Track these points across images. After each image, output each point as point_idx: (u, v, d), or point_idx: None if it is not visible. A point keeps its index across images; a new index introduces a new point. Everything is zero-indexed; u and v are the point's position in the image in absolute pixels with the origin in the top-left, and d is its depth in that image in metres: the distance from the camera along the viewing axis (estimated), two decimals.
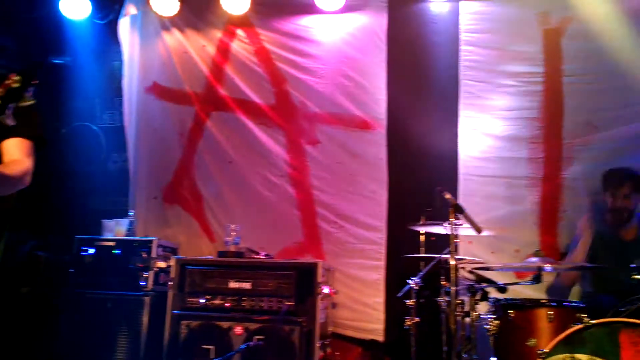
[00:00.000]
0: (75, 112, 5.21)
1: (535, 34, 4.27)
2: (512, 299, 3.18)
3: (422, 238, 3.98)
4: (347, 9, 4.60)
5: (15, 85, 1.97)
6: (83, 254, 4.17)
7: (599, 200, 3.86)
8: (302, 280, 3.72)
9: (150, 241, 4.16)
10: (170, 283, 3.90)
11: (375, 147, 4.45)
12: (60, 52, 5.23)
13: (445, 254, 3.32)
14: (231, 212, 4.62)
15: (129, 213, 4.60)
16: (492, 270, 3.66)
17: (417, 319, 3.53)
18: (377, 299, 4.26)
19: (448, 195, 3.13)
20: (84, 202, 4.95)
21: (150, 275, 4.05)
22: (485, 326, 3.13)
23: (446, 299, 3.42)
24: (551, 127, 4.17)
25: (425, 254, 3.87)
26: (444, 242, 3.25)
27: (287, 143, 4.65)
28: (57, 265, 4.22)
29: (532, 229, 4.11)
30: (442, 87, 4.41)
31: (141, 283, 4.03)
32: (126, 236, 4.36)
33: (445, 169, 4.28)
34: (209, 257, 4.36)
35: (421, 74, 4.49)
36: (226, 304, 3.77)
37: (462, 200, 3.87)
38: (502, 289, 3.30)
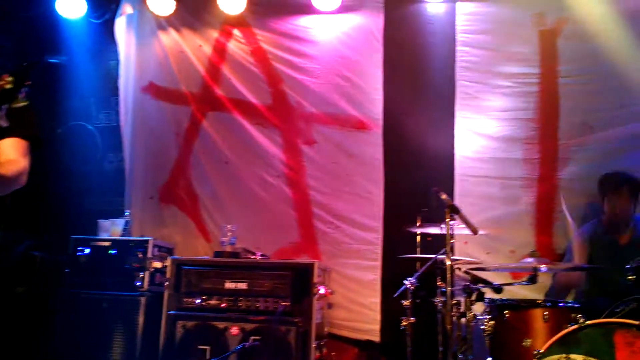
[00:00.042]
0: (71, 111, 5.20)
1: (531, 35, 4.28)
2: (507, 300, 3.18)
3: (418, 238, 3.98)
4: (344, 9, 4.60)
5: (8, 86, 1.96)
6: (79, 254, 4.16)
7: (595, 203, 3.87)
8: (298, 281, 3.72)
9: (146, 241, 4.16)
10: (166, 283, 3.89)
11: (372, 147, 4.45)
12: (56, 51, 5.21)
13: (441, 254, 3.32)
14: (227, 212, 4.62)
15: (125, 213, 4.60)
16: (488, 270, 3.67)
17: (413, 319, 3.54)
18: (373, 300, 4.26)
19: (444, 196, 3.13)
20: (79, 201, 4.94)
21: (146, 275, 4.05)
22: (481, 326, 3.14)
23: (442, 299, 3.43)
24: (547, 128, 4.18)
25: (421, 254, 3.88)
26: (440, 243, 3.25)
27: (283, 143, 4.65)
28: (52, 265, 4.21)
29: (527, 229, 4.12)
30: (438, 87, 4.42)
31: (137, 283, 4.03)
32: (122, 236, 4.35)
33: (441, 170, 4.29)
34: (205, 257, 4.36)
35: (417, 75, 4.50)
36: (222, 305, 3.77)
37: (458, 201, 3.89)
38: (497, 289, 3.31)
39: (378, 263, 4.30)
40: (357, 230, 4.38)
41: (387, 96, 4.48)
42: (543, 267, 3.07)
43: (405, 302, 3.52)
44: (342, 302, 4.30)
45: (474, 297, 3.21)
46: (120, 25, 5.03)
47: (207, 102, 4.83)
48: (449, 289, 3.05)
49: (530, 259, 3.14)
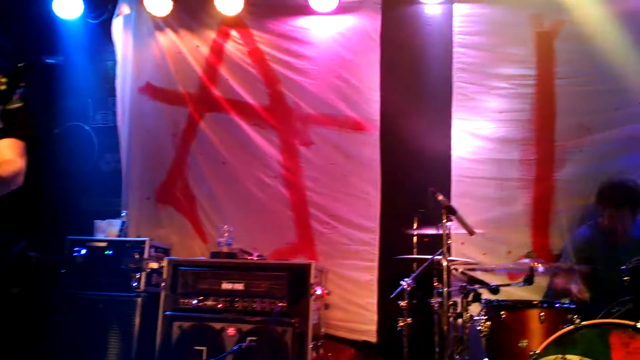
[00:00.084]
0: (67, 112, 5.19)
1: (528, 37, 4.29)
2: (504, 300, 3.19)
3: (415, 239, 3.99)
4: (341, 10, 4.61)
5: (2, 87, 1.96)
6: (75, 254, 4.15)
7: (591, 205, 3.88)
8: (295, 282, 3.72)
9: (143, 242, 4.16)
10: (163, 284, 3.89)
11: (369, 148, 4.45)
12: (53, 51, 5.20)
13: (438, 255, 3.33)
14: (224, 213, 4.61)
15: (122, 213, 4.59)
16: (485, 271, 3.67)
17: (409, 320, 3.54)
18: (370, 300, 4.26)
19: (440, 197, 3.14)
20: (76, 202, 4.93)
21: (142, 276, 4.04)
22: (478, 327, 3.14)
23: (439, 300, 3.43)
24: (543, 129, 4.19)
25: (418, 255, 3.88)
26: (437, 243, 3.26)
27: (280, 144, 4.65)
28: (48, 266, 4.20)
29: (524, 230, 4.13)
30: (435, 88, 4.43)
31: (133, 284, 4.02)
32: (118, 237, 4.35)
33: (438, 170, 4.29)
34: (202, 258, 4.35)
35: (414, 76, 4.51)
36: (219, 305, 3.77)
37: (454, 202, 3.88)
38: (494, 290, 3.31)
39: (375, 264, 4.30)
40: (354, 231, 4.38)
41: (384, 97, 4.48)
42: (540, 268, 3.08)
43: (402, 303, 3.52)
44: (338, 302, 4.30)
45: (470, 297, 3.23)
46: (118, 26, 5.03)
47: (204, 103, 4.83)
48: (445, 289, 3.05)
49: (526, 260, 3.14)
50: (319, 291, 3.83)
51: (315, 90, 4.61)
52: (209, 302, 3.79)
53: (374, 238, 4.33)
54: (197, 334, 3.71)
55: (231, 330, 3.66)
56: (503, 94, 4.29)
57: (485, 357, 3.07)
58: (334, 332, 4.26)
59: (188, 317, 3.76)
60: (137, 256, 4.07)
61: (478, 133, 4.31)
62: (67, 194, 4.89)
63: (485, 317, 3.12)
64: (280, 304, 3.67)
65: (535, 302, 3.08)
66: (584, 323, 2.70)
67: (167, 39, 4.95)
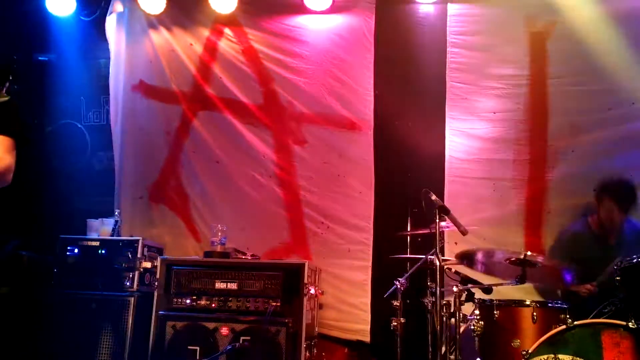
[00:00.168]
0: (60, 110, 5.16)
1: (521, 37, 4.31)
2: (497, 300, 3.20)
3: (409, 239, 3.99)
4: (335, 9, 4.61)
5: None
6: (68, 253, 4.13)
7: (583, 204, 3.91)
8: (289, 281, 3.72)
9: (136, 241, 4.13)
10: (156, 283, 3.87)
11: (362, 147, 4.46)
12: (46, 49, 5.18)
13: (431, 254, 3.33)
14: (218, 212, 4.60)
15: (115, 212, 4.56)
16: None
17: (403, 319, 3.54)
18: (364, 300, 4.27)
19: (434, 197, 3.14)
20: (68, 201, 4.89)
21: (135, 275, 4.02)
22: (470, 327, 3.15)
23: (432, 299, 3.44)
24: (536, 129, 4.21)
25: (411, 254, 3.89)
26: (430, 243, 3.26)
27: (274, 143, 4.65)
28: (40, 265, 4.17)
29: (517, 230, 4.15)
30: (429, 88, 4.45)
31: (126, 283, 4.00)
32: (111, 236, 4.32)
33: (431, 170, 4.31)
34: (195, 257, 4.34)
35: (408, 76, 4.51)
36: (212, 305, 3.76)
37: (448, 202, 3.91)
38: (487, 289, 3.33)
39: (368, 263, 4.31)
40: (347, 231, 4.39)
41: (378, 97, 4.49)
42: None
43: (396, 303, 3.53)
44: (332, 302, 4.30)
45: (463, 297, 3.23)
46: (111, 23, 4.99)
47: (198, 101, 4.81)
48: (438, 289, 3.06)
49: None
50: (312, 291, 3.83)
51: (309, 89, 4.61)
52: (203, 302, 3.78)
53: (368, 238, 4.34)
54: (191, 333, 3.69)
55: (224, 330, 3.65)
56: (496, 94, 4.31)
57: (478, 357, 3.08)
58: (327, 332, 4.26)
59: (181, 317, 3.75)
60: (130, 256, 4.05)
61: (472, 133, 4.32)
62: (59, 192, 4.86)
63: (478, 317, 3.13)
64: (274, 304, 3.66)
65: (528, 302, 3.09)
66: (576, 323, 2.72)
67: (160, 37, 4.92)
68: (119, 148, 4.90)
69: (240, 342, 3.58)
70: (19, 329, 3.93)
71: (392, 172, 4.42)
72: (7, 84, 1.97)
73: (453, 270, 3.51)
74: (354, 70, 4.56)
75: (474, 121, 4.32)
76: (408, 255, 3.94)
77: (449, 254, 3.99)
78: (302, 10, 4.65)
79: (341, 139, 4.52)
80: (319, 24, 4.68)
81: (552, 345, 2.72)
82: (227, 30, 4.82)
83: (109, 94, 4.98)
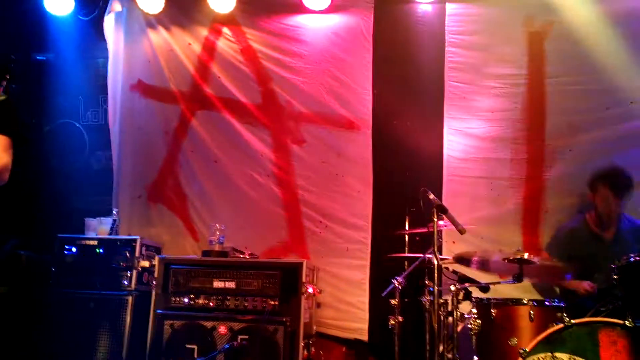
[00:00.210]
0: (58, 109, 5.16)
1: (519, 37, 4.32)
2: (494, 299, 3.20)
3: (407, 238, 4.00)
4: (334, 8, 4.61)
5: None
6: (66, 253, 4.13)
7: (581, 203, 3.92)
8: (287, 280, 3.72)
9: (134, 240, 4.14)
10: (154, 282, 3.87)
11: (361, 147, 4.46)
12: (44, 48, 5.18)
13: (429, 253, 3.33)
14: (216, 212, 4.61)
15: (113, 212, 4.56)
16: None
17: (400, 318, 3.54)
18: (362, 299, 4.27)
19: (432, 196, 3.14)
20: (66, 200, 4.90)
21: (133, 274, 4.03)
22: (468, 325, 3.16)
23: (430, 298, 3.44)
24: (534, 129, 4.22)
25: (409, 253, 3.89)
26: (428, 242, 3.26)
27: (272, 142, 4.65)
28: (39, 265, 4.17)
29: (515, 229, 4.16)
30: (428, 87, 4.45)
31: (124, 282, 4.01)
32: (109, 235, 4.32)
33: (429, 169, 4.31)
34: (193, 256, 4.34)
35: (407, 75, 4.52)
36: (210, 304, 3.76)
37: (446, 201, 3.91)
38: (484, 288, 3.33)
39: (366, 262, 4.31)
40: (345, 230, 4.39)
41: (376, 96, 4.49)
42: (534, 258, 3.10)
43: (393, 301, 3.53)
44: (330, 301, 4.31)
45: (461, 296, 3.24)
46: (109, 23, 5.00)
47: (196, 101, 4.82)
48: (436, 288, 3.06)
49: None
50: (310, 290, 3.83)
51: (307, 89, 4.61)
52: (201, 301, 3.78)
53: (366, 237, 4.34)
54: (189, 332, 3.70)
55: (222, 329, 3.65)
56: (494, 94, 4.31)
57: (475, 355, 3.08)
58: (325, 331, 4.26)
59: (179, 316, 3.75)
60: (128, 255, 4.05)
61: (470, 132, 4.33)
62: (57, 191, 4.86)
63: (476, 315, 3.14)
64: (272, 303, 3.67)
65: (525, 301, 3.10)
66: (573, 321, 2.72)
67: (159, 37, 4.92)
68: (117, 147, 4.90)
69: (238, 341, 3.58)
70: (18, 329, 3.93)
71: (390, 171, 4.42)
72: (5, 84, 1.97)
73: (451, 269, 3.51)
74: (352, 69, 4.56)
75: (472, 120, 4.33)
76: (406, 254, 3.94)
77: (447, 253, 4.00)
78: (301, 9, 4.65)
79: (339, 138, 4.52)
80: (318, 24, 4.69)
81: (549, 344, 2.73)
82: (225, 30, 4.82)
83: (107, 94, 4.99)
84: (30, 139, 2.43)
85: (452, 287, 3.21)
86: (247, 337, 3.60)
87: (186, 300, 3.79)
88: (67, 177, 4.91)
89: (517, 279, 3.07)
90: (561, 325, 2.73)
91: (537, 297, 3.90)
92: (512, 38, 4.32)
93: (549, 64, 4.24)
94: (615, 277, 2.89)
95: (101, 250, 4.11)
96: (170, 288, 3.83)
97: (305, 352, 3.75)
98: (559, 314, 2.89)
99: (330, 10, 4.62)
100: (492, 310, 3.08)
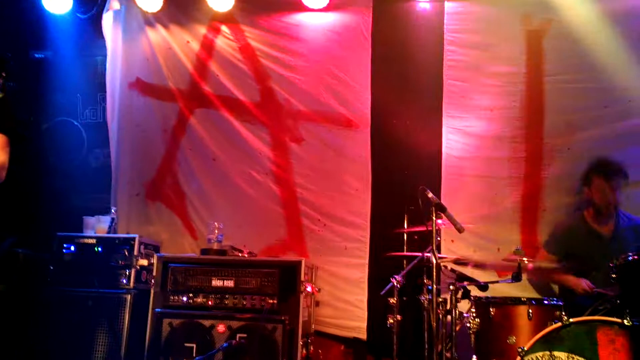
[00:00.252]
0: (57, 107, 5.15)
1: (518, 35, 4.31)
2: (492, 297, 3.21)
3: (405, 236, 4.00)
4: (332, 6, 4.61)
5: None
6: (64, 251, 4.12)
7: (579, 202, 3.93)
8: (285, 279, 3.72)
9: (132, 239, 4.13)
10: (153, 281, 3.87)
11: (359, 145, 4.46)
12: (42, 46, 5.17)
13: (428, 252, 3.34)
14: (214, 210, 4.61)
15: (111, 210, 4.56)
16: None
17: (399, 317, 3.55)
18: (360, 297, 4.27)
19: (430, 195, 3.14)
20: (65, 198, 4.88)
21: (132, 273, 4.02)
22: (466, 324, 3.16)
23: (428, 297, 3.44)
24: (532, 127, 4.22)
25: (408, 252, 3.89)
26: (427, 241, 3.27)
27: (271, 141, 4.65)
28: (37, 263, 4.16)
29: (513, 227, 4.16)
30: (426, 86, 4.44)
31: (123, 281, 4.00)
32: (107, 233, 4.31)
33: (428, 168, 4.31)
34: (192, 254, 4.34)
35: (405, 73, 4.51)
36: (209, 302, 3.76)
37: (444, 199, 3.91)
38: (483, 287, 3.34)
39: (365, 261, 4.31)
40: (344, 228, 4.39)
41: (375, 94, 4.48)
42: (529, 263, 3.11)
43: (392, 300, 3.53)
44: (329, 299, 4.30)
45: (459, 294, 3.24)
46: (107, 21, 4.99)
47: (194, 99, 4.81)
48: (435, 286, 3.07)
49: (514, 257, 3.17)
50: (309, 288, 3.83)
51: (306, 87, 4.61)
52: (199, 299, 3.78)
53: (364, 235, 4.34)
54: (187, 331, 3.69)
55: (221, 327, 3.65)
56: (493, 92, 4.31)
57: (473, 354, 3.09)
58: (324, 329, 4.26)
59: (178, 314, 3.75)
60: (126, 253, 4.05)
61: (468, 130, 4.32)
62: (55, 189, 4.85)
63: (474, 314, 3.14)
64: (271, 301, 3.66)
65: (524, 299, 3.11)
66: (571, 320, 2.73)
67: (157, 35, 4.92)
68: (115, 145, 4.90)
69: (237, 339, 3.58)
70: (15, 327, 3.93)
71: (389, 170, 4.42)
72: (1, 81, 1.96)
73: (449, 267, 3.51)
74: (351, 67, 4.56)
75: (470, 119, 4.33)
76: (405, 253, 3.94)
77: (446, 252, 4.01)
78: (299, 7, 4.64)
79: (338, 136, 4.52)
80: (316, 22, 4.68)
81: (547, 342, 2.73)
82: (224, 28, 4.82)
83: (105, 92, 4.98)
84: (27, 137, 2.42)
85: (451, 286, 3.21)
86: (245, 335, 3.60)
87: (185, 298, 3.79)
88: (65, 175, 4.90)
89: (516, 278, 3.07)
90: (559, 324, 2.73)
91: (534, 294, 3.91)
92: (511, 36, 4.32)
93: (548, 62, 4.24)
94: (613, 275, 2.90)
95: (99, 249, 4.10)
96: (168, 286, 3.83)
97: (304, 351, 3.75)
98: (557, 313, 2.90)
99: (329, 8, 4.61)
100: (490, 309, 3.09)
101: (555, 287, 3.94)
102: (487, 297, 3.20)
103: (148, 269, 4.06)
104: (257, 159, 4.63)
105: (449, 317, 3.21)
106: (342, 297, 4.31)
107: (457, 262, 3.41)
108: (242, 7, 4.75)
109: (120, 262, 4.03)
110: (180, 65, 4.84)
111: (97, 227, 4.33)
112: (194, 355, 3.61)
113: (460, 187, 4.26)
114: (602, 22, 4.14)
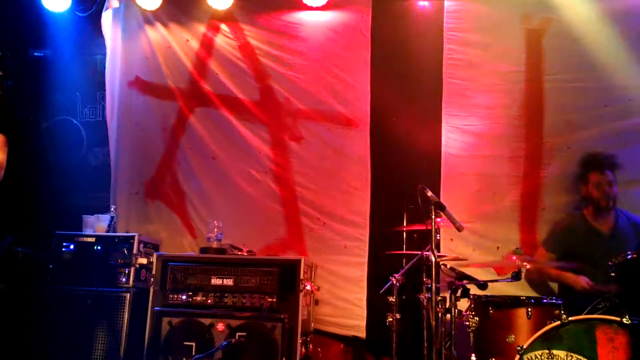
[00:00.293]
0: (56, 106, 5.15)
1: (517, 34, 4.31)
2: (492, 296, 3.21)
3: (404, 235, 4.00)
4: (332, 5, 4.60)
5: None
6: (63, 249, 4.12)
7: (578, 200, 3.94)
8: (285, 277, 3.73)
9: (132, 237, 4.13)
10: (152, 279, 3.87)
11: (359, 143, 4.45)
12: (41, 44, 5.16)
13: (427, 251, 3.34)
14: (214, 208, 4.60)
15: (110, 208, 4.56)
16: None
17: (398, 315, 3.55)
18: (359, 296, 4.27)
19: (429, 193, 3.14)
20: (64, 197, 4.88)
21: (131, 271, 4.02)
22: (466, 322, 3.16)
23: (427, 295, 3.45)
24: (532, 126, 4.21)
25: (407, 250, 3.89)
26: (426, 239, 3.26)
27: (270, 139, 4.64)
28: (36, 261, 4.16)
29: (512, 226, 4.15)
30: (426, 85, 4.44)
31: (122, 279, 4.00)
32: (107, 232, 4.31)
33: (427, 167, 4.31)
34: (191, 253, 4.34)
35: (405, 72, 4.51)
36: (208, 301, 3.76)
37: (444, 198, 3.91)
38: (482, 285, 3.34)
39: (364, 259, 4.31)
40: (343, 227, 4.38)
41: (374, 93, 4.48)
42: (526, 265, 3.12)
43: (391, 299, 3.53)
44: (328, 298, 4.30)
45: (459, 293, 3.24)
46: (107, 19, 4.98)
47: (194, 98, 4.81)
48: (434, 285, 3.07)
49: (514, 256, 3.17)
50: (308, 287, 3.83)
51: (305, 86, 4.60)
52: (198, 298, 3.78)
53: (364, 234, 4.34)
54: (186, 329, 3.70)
55: (220, 326, 3.66)
56: (492, 91, 4.30)
57: (472, 352, 3.09)
58: (323, 328, 4.27)
59: (177, 313, 3.75)
60: (125, 252, 4.05)
61: (468, 129, 4.32)
62: (55, 188, 4.84)
63: (473, 313, 3.14)
64: (270, 300, 3.67)
65: (523, 298, 3.11)
66: (570, 318, 2.73)
67: (156, 33, 4.91)
68: (115, 144, 4.89)
69: (236, 338, 3.58)
70: (15, 326, 3.93)
71: (388, 169, 4.42)
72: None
73: (448, 266, 3.52)
74: (350, 66, 4.55)
75: (470, 117, 4.32)
76: (404, 252, 3.94)
77: (445, 250, 4.01)
78: (299, 6, 4.64)
79: (338, 135, 4.51)
80: (316, 20, 4.67)
81: (546, 341, 2.73)
82: (223, 26, 4.81)
83: (105, 90, 4.97)
84: (26, 136, 2.41)
85: (450, 285, 3.21)
86: (245, 334, 3.60)
87: (184, 297, 3.79)
88: (64, 173, 4.89)
89: (516, 277, 3.07)
90: (558, 322, 2.73)
91: (533, 294, 3.91)
92: (511, 35, 4.31)
93: (547, 61, 4.23)
94: (612, 274, 2.90)
95: (99, 247, 4.10)
96: (168, 285, 3.83)
97: (303, 349, 3.76)
98: (556, 311, 2.90)
99: (328, 7, 4.61)
100: (489, 308, 3.08)
101: (554, 286, 3.94)
102: (486, 296, 3.20)
103: (147, 267, 4.06)
104: (256, 158, 4.62)
105: (448, 315, 3.21)
106: (341, 296, 4.31)
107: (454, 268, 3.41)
108: (242, 6, 4.74)
109: (119, 260, 4.03)
110: (179, 63, 4.84)
111: (97, 225, 4.33)
112: (193, 353, 3.61)
113: (460, 185, 4.26)
114: (601, 22, 4.14)
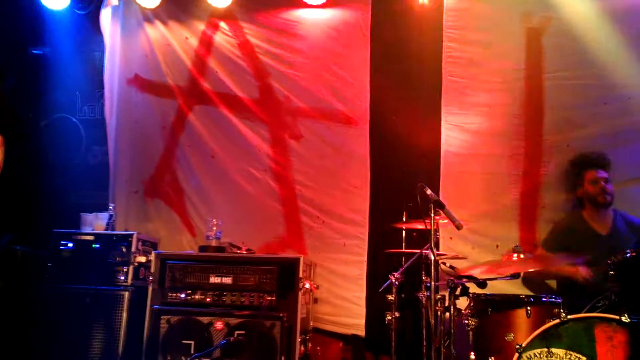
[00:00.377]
0: (55, 104, 5.14)
1: (517, 32, 4.30)
2: (491, 294, 3.20)
3: (404, 233, 3.99)
4: (331, 3, 4.60)
5: None
6: (62, 248, 4.11)
7: (577, 199, 3.93)
8: (284, 276, 3.72)
9: (130, 235, 4.12)
10: (150, 278, 3.87)
11: (358, 142, 4.45)
12: (40, 42, 5.15)
13: (426, 249, 3.33)
14: (213, 207, 4.60)
15: (109, 207, 4.55)
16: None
17: (397, 314, 3.55)
18: (359, 294, 4.27)
19: (429, 191, 3.13)
20: (63, 195, 4.88)
21: (130, 270, 4.01)
22: (465, 321, 3.15)
23: (426, 294, 3.44)
24: (532, 124, 4.21)
25: (406, 249, 3.89)
26: (425, 238, 3.26)
27: (270, 137, 4.64)
28: (34, 260, 4.15)
29: (512, 225, 4.15)
30: (425, 83, 4.43)
31: (120, 278, 4.00)
32: (105, 230, 4.30)
33: (427, 165, 4.31)
34: (190, 251, 4.34)
35: (404, 70, 4.50)
36: (207, 299, 3.76)
37: (443, 196, 3.91)
38: (481, 284, 3.32)
39: (363, 258, 4.31)
40: (343, 225, 4.38)
41: (374, 91, 4.48)
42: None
43: (390, 297, 3.53)
44: (327, 296, 4.30)
45: (458, 291, 3.23)
46: (106, 17, 4.98)
47: (193, 96, 4.80)
48: (433, 283, 3.06)
49: (513, 255, 3.16)
50: (307, 285, 3.82)
51: (305, 84, 4.60)
52: (197, 296, 3.78)
53: (363, 232, 4.33)
54: (185, 328, 3.69)
55: (219, 325, 3.65)
56: (492, 89, 4.30)
57: (471, 351, 3.08)
58: (322, 326, 4.26)
59: (176, 311, 3.74)
60: (124, 250, 4.04)
61: (467, 127, 4.31)
62: (53, 186, 4.84)
63: (473, 311, 3.13)
64: (269, 298, 3.66)
65: (522, 297, 3.10)
66: (569, 317, 2.72)
67: (155, 31, 4.90)
68: (113, 142, 4.88)
69: (235, 336, 3.58)
70: (13, 324, 3.92)
71: (387, 167, 4.42)
72: None
73: (448, 264, 3.51)
74: (350, 64, 4.55)
75: (469, 115, 4.32)
76: (403, 250, 3.94)
77: (444, 249, 4.00)
78: (299, 4, 4.63)
79: (337, 133, 4.51)
80: (315, 18, 4.67)
81: (545, 339, 2.72)
82: (222, 24, 4.81)
83: (104, 88, 4.97)
84: (25, 134, 2.40)
85: (449, 283, 3.20)
86: (243, 332, 3.60)
87: (183, 295, 3.78)
88: (63, 171, 4.89)
89: (515, 275, 3.06)
90: (557, 321, 2.72)
91: (530, 293, 3.90)
92: (510, 33, 4.30)
93: (547, 59, 4.23)
94: (611, 272, 2.89)
95: (97, 246, 4.09)
96: (166, 283, 3.83)
97: (302, 348, 3.75)
98: (556, 310, 2.89)
99: (327, 4, 4.60)
100: (489, 306, 3.08)
101: (553, 284, 3.93)
102: (485, 295, 3.19)
103: (146, 265, 4.05)
104: (256, 156, 4.62)
105: (447, 314, 3.20)
106: (340, 294, 4.30)
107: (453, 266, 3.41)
108: (241, 4, 4.74)
109: (118, 259, 4.02)
110: (179, 61, 4.83)
111: (95, 223, 4.32)
112: (192, 352, 3.61)
113: (459, 184, 4.25)
114: (601, 20, 4.13)
